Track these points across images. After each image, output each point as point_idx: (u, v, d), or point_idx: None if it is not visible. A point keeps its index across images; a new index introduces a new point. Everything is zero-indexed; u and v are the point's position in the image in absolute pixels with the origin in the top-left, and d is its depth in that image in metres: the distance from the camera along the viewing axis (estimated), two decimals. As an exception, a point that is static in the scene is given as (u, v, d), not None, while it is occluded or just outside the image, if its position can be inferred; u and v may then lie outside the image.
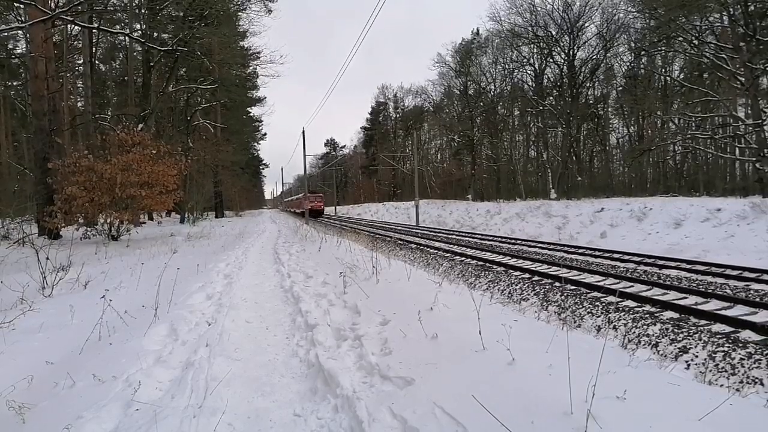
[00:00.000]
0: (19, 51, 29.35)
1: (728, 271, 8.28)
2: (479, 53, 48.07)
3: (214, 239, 16.00)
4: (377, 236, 19.44)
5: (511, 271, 9.57)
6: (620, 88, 38.99)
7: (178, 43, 20.18)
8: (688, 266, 9.00)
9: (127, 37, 24.32)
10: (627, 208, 16.32)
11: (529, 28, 39.05)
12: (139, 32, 23.82)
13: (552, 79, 41.24)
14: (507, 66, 44.42)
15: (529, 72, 43.44)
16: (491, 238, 17.00)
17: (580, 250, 12.15)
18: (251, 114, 48.48)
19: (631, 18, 33.14)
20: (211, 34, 22.59)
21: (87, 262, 8.49)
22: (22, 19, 20.54)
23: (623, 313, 6.06)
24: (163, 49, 19.26)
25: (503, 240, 16.01)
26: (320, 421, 2.74)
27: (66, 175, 13.18)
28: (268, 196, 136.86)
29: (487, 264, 10.55)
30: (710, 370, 4.42)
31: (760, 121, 21.02)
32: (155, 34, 25.06)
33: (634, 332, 5.47)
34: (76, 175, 13.07)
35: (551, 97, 40.16)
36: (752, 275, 7.84)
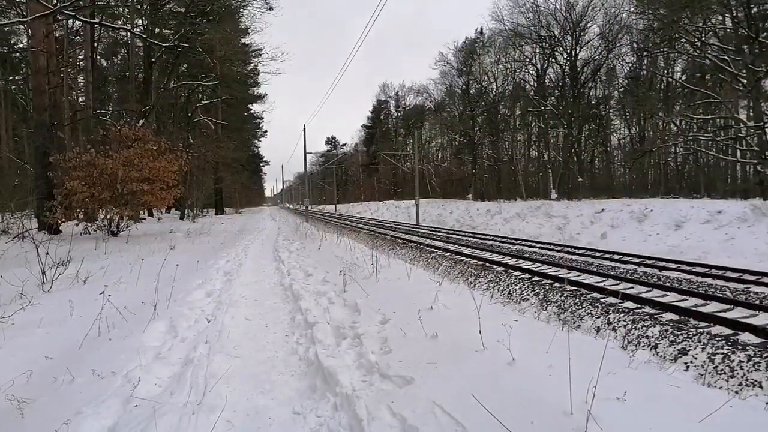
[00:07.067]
0: (20, 46, 29.36)
1: (728, 273, 8.26)
2: (482, 52, 48.07)
3: (214, 236, 16.01)
4: (377, 235, 19.43)
5: (511, 271, 9.54)
6: (622, 89, 38.99)
7: (180, 39, 20.16)
8: (688, 268, 8.98)
9: (128, 33, 24.33)
10: (628, 210, 16.28)
11: (532, 28, 39.08)
12: (141, 28, 23.81)
13: (554, 80, 41.27)
14: (509, 65, 44.45)
15: (531, 72, 43.50)
16: (491, 237, 16.97)
17: (581, 251, 12.12)
18: (252, 111, 48.52)
19: (634, 19, 33.13)
20: (212, 30, 22.57)
21: (87, 257, 8.48)
22: (24, 14, 20.50)
23: (623, 315, 6.05)
24: (164, 45, 19.23)
25: (503, 240, 15.98)
26: (319, 419, 2.74)
27: (66, 170, 13.15)
28: (268, 193, 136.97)
29: (487, 264, 10.53)
30: (709, 373, 4.42)
31: (761, 123, 21.00)
32: (157, 30, 25.04)
33: (634, 333, 5.47)
34: (77, 170, 13.04)
35: (553, 98, 40.15)
36: (752, 278, 7.82)
